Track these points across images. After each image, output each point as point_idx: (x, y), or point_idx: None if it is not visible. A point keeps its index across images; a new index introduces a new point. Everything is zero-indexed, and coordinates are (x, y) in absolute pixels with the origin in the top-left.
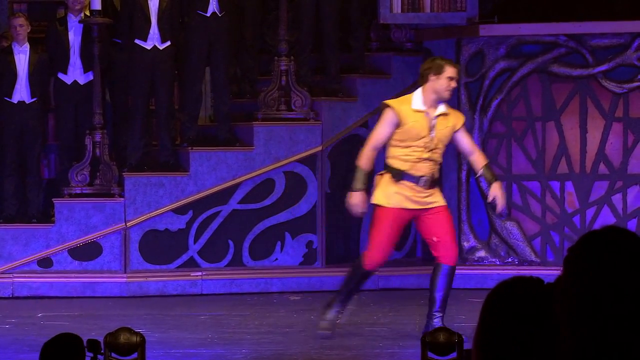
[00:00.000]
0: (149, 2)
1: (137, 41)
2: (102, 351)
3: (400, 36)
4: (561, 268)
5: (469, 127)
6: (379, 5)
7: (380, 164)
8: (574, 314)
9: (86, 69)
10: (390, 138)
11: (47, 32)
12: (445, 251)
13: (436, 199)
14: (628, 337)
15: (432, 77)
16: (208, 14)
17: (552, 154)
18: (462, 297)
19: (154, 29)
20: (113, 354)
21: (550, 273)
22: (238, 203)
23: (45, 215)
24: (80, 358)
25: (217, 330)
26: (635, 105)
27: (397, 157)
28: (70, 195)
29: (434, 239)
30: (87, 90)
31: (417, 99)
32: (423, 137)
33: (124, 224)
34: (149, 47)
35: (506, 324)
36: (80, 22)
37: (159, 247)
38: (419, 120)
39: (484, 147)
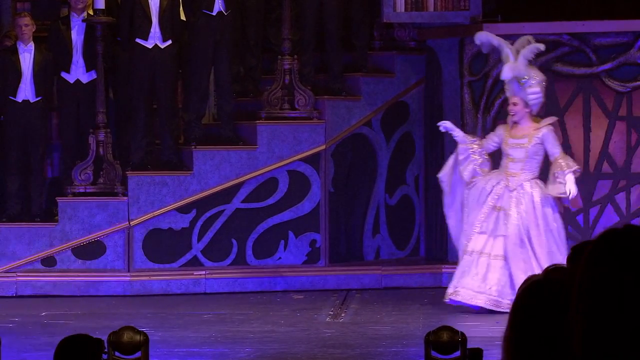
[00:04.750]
0: (150, 1)
1: (138, 40)
2: (106, 350)
3: (403, 35)
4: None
5: (472, 126)
6: (383, 4)
7: None
8: (591, 311)
9: (89, 67)
10: None
11: (49, 31)
12: None
13: None
14: None
15: None
16: (214, 13)
17: None
18: None
19: (155, 28)
20: (117, 353)
21: None
22: (241, 202)
23: (49, 214)
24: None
25: (220, 329)
26: (639, 104)
27: None
28: (74, 194)
29: None
30: (90, 89)
31: None
32: None
33: (127, 222)
34: (150, 46)
35: (536, 322)
36: (83, 21)
37: (163, 246)
38: None
39: None
